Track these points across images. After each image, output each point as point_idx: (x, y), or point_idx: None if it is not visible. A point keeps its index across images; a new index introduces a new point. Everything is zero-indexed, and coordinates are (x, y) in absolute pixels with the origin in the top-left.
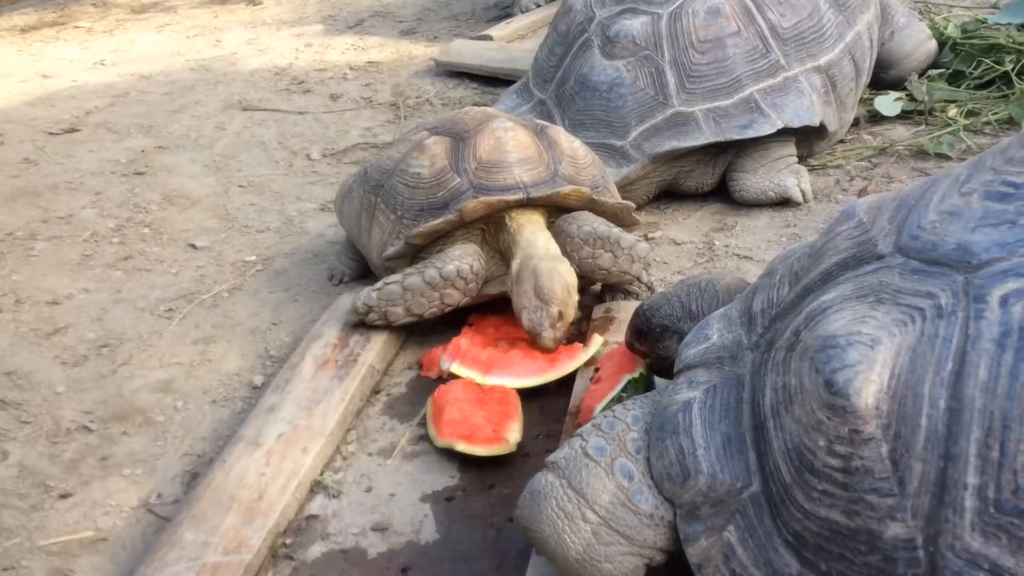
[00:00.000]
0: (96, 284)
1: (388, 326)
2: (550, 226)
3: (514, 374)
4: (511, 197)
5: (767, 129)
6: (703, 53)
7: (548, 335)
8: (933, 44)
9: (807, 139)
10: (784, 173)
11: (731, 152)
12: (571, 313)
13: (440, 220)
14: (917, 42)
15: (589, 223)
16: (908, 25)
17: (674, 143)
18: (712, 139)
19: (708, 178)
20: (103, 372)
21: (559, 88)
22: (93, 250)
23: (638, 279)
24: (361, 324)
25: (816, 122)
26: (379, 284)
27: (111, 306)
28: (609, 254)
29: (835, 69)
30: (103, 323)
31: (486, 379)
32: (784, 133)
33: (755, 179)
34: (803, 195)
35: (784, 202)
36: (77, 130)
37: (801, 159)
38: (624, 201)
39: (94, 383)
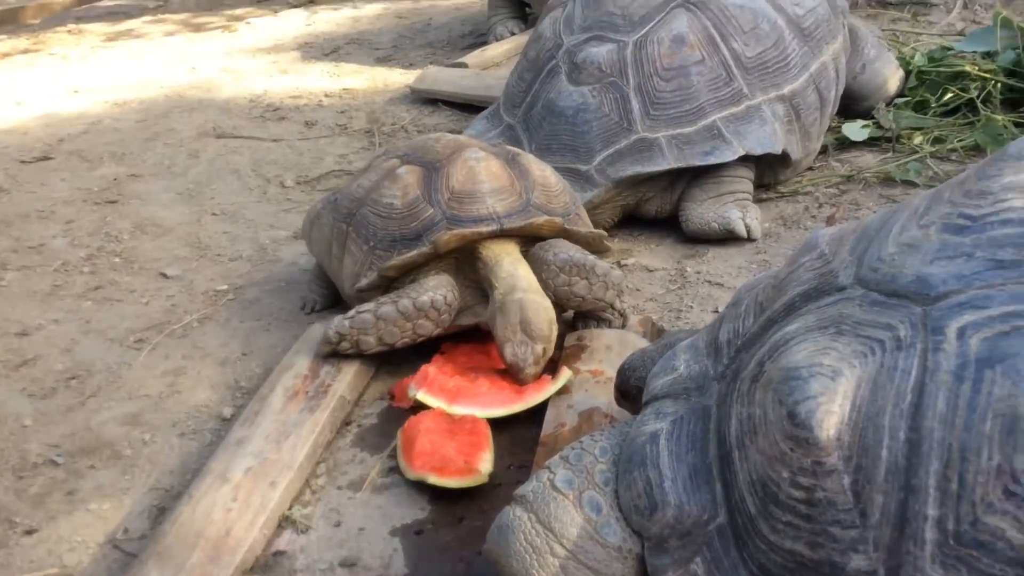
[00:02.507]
0: (66, 315)
1: (360, 355)
2: (524, 254)
3: (480, 404)
4: (485, 229)
5: (729, 156)
6: (667, 80)
7: (531, 371)
8: (902, 74)
9: (771, 167)
10: (730, 206)
11: (688, 178)
12: (551, 349)
13: (414, 252)
14: (888, 74)
15: (565, 251)
16: (879, 57)
17: (637, 168)
18: (674, 165)
19: (667, 204)
20: (71, 404)
21: (527, 113)
22: (63, 280)
23: (612, 306)
24: (333, 353)
25: (778, 150)
26: (351, 313)
27: (80, 337)
28: (584, 281)
29: (799, 98)
30: (72, 354)
31: (452, 408)
32: (745, 162)
33: (700, 209)
34: (748, 230)
35: (730, 236)
36: (50, 158)
37: (769, 187)
38: (596, 230)
39: (62, 416)
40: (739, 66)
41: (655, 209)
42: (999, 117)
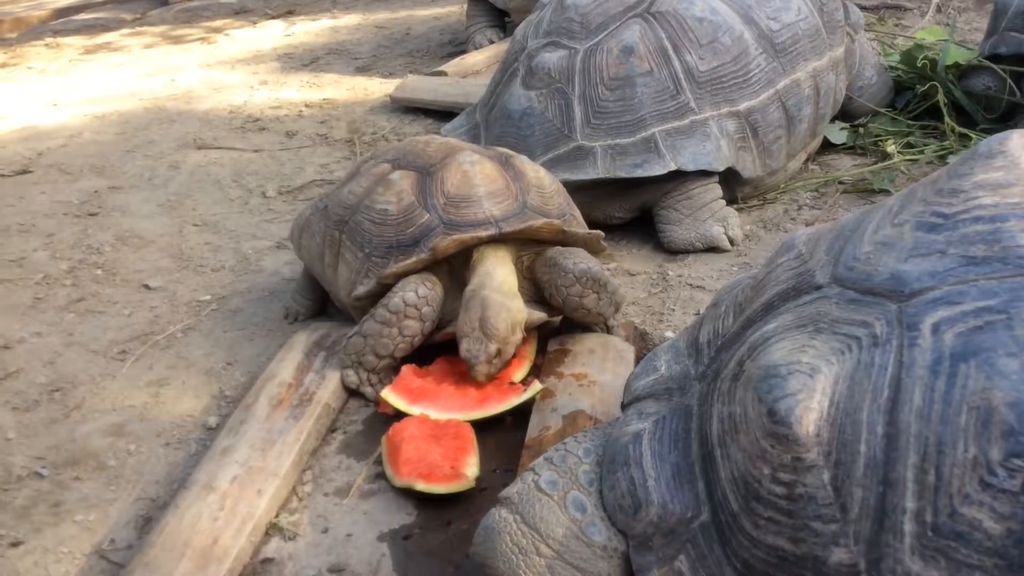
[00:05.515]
0: (48, 327)
1: (378, 377)
2: (536, 256)
3: (438, 407)
4: (484, 233)
5: (658, 170)
6: (612, 90)
7: (482, 369)
8: (892, 88)
9: (727, 183)
10: (709, 223)
11: (644, 189)
12: (510, 351)
13: (413, 259)
14: (884, 95)
15: (584, 261)
16: (877, 79)
17: (566, 175)
18: (603, 175)
19: (616, 211)
20: (55, 416)
21: (488, 112)
22: (45, 293)
23: (605, 321)
24: (356, 391)
25: (717, 167)
26: (343, 343)
27: (63, 349)
28: (595, 295)
29: (757, 115)
30: (55, 367)
31: (411, 408)
32: (703, 176)
33: (681, 230)
34: (731, 241)
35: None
36: (29, 171)
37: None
38: (593, 231)
39: (46, 428)
40: (690, 79)
41: (603, 216)
42: (973, 134)
